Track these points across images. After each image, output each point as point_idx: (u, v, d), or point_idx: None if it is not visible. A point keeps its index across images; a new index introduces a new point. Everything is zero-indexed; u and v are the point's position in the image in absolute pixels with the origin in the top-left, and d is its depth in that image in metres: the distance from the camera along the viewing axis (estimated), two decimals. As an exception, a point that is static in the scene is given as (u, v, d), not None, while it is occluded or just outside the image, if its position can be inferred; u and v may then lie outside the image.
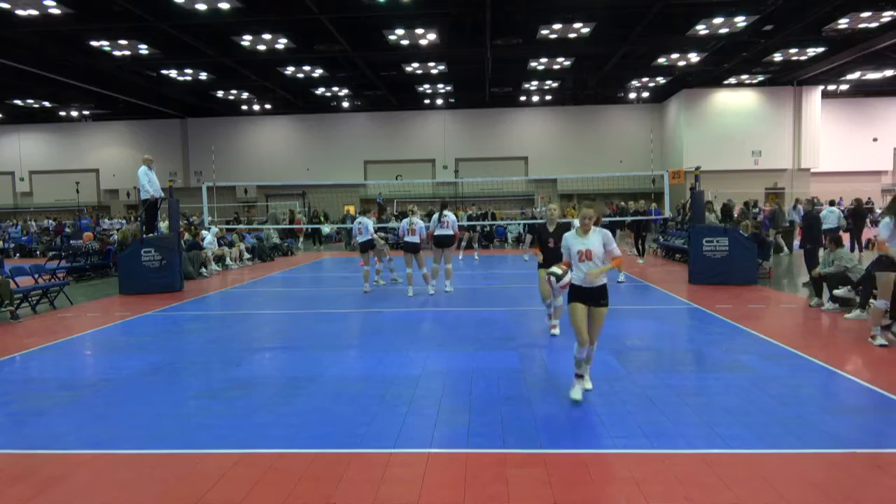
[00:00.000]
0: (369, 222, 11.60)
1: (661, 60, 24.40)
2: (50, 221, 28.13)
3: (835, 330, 7.78)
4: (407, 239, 10.87)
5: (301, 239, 25.53)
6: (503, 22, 19.05)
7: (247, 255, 18.31)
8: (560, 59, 24.05)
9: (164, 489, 3.62)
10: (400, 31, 19.81)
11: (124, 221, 26.69)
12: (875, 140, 31.65)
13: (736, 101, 29.81)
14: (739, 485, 3.50)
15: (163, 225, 16.55)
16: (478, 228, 19.46)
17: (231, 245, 17.77)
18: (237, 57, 22.18)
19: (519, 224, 23.93)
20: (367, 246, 11.48)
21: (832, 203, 18.36)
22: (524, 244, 16.29)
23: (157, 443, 4.32)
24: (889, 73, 27.11)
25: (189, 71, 24.72)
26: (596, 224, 5.07)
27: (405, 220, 11.14)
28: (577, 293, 4.98)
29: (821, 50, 23.35)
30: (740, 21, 19.19)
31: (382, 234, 12.77)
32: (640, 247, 16.43)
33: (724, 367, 5.94)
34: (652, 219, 18.05)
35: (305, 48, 21.40)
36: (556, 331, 7.42)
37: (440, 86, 28.86)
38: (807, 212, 12.65)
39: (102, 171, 34.44)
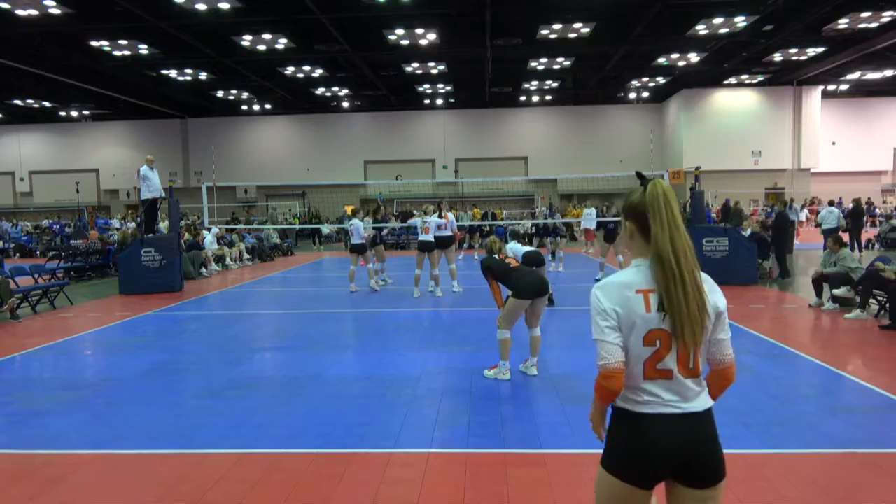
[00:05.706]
0: (360, 224, 11.36)
1: (661, 60, 24.36)
2: (49, 221, 28.07)
3: (835, 330, 7.78)
4: (421, 238, 10.81)
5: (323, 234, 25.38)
6: (503, 22, 19.02)
7: (246, 256, 18.33)
8: (560, 59, 24.01)
9: (164, 489, 3.61)
10: (400, 31, 19.79)
11: (123, 221, 26.67)
12: None
13: (736, 101, 29.78)
14: (739, 485, 3.50)
15: (163, 225, 16.56)
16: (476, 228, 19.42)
17: (231, 245, 17.77)
18: (237, 57, 22.15)
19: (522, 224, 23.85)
20: (359, 248, 11.31)
21: (831, 203, 18.32)
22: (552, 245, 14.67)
23: (157, 443, 4.32)
24: (889, 73, 27.07)
25: (189, 71, 24.69)
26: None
27: (418, 220, 11.13)
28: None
29: (821, 50, 23.32)
30: (740, 21, 19.16)
31: (377, 234, 12.58)
32: None
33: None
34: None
35: (305, 48, 21.37)
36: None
37: (440, 86, 28.82)
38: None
39: (102, 171, 34.38)
